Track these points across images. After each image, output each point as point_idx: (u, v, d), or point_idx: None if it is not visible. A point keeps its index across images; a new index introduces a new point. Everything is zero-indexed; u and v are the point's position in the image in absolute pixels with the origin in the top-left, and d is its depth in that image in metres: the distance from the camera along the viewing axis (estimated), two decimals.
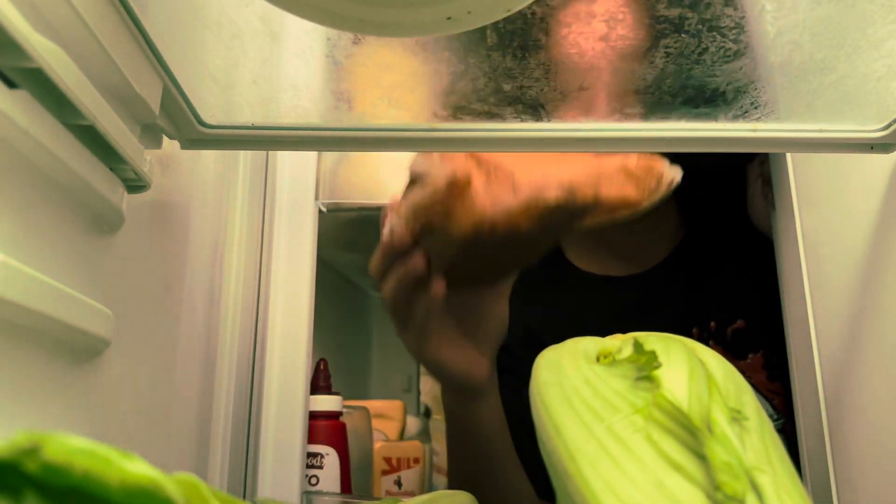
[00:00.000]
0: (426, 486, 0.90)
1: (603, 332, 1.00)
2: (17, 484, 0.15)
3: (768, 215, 0.71)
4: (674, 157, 0.66)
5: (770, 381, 0.84)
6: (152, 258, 0.46)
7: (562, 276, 0.99)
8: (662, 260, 0.94)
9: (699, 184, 0.83)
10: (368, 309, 1.34)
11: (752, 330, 0.86)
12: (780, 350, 0.84)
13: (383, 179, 0.80)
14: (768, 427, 0.29)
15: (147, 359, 0.45)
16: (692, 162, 0.73)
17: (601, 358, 0.30)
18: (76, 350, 0.35)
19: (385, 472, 0.85)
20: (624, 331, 0.99)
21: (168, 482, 0.16)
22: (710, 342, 0.88)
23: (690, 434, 0.26)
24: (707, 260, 0.92)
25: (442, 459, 1.07)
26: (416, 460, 0.87)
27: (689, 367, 0.28)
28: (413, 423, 0.98)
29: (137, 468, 0.16)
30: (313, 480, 0.68)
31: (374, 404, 0.85)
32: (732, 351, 0.87)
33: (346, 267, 1.14)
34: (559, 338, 1.04)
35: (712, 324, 0.89)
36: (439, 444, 1.08)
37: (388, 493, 0.84)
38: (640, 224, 0.92)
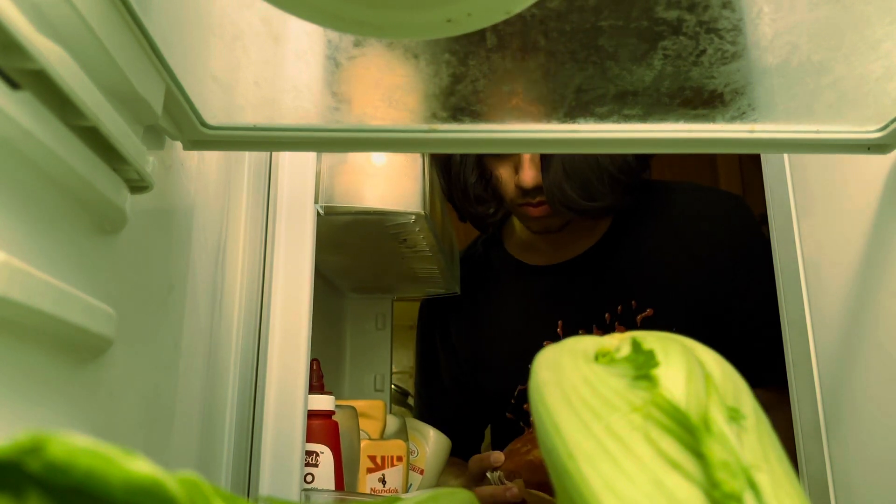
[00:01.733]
0: (407, 484, 0.92)
1: (524, 319, 1.08)
2: (19, 483, 0.15)
3: None
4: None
5: None
6: (155, 258, 0.46)
7: (498, 264, 1.14)
8: (588, 248, 1.06)
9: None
10: (343, 310, 1.36)
11: (661, 318, 0.96)
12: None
13: (380, 184, 0.81)
14: (766, 426, 0.29)
15: (150, 358, 0.45)
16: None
17: (600, 357, 0.30)
18: (79, 349, 0.35)
19: (370, 470, 0.87)
20: (545, 314, 1.06)
21: (170, 480, 0.16)
22: (616, 323, 0.99)
23: (688, 433, 0.26)
24: (624, 252, 1.02)
25: (418, 458, 1.10)
26: (399, 458, 0.89)
27: (687, 367, 0.28)
28: (392, 423, 1.00)
29: (140, 467, 0.16)
30: (309, 478, 0.68)
31: (357, 404, 0.86)
32: None
33: (326, 268, 1.16)
34: (510, 323, 1.08)
35: (619, 307, 0.99)
36: (415, 443, 1.10)
37: (374, 490, 0.86)
38: (574, 222, 1.03)
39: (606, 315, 1.00)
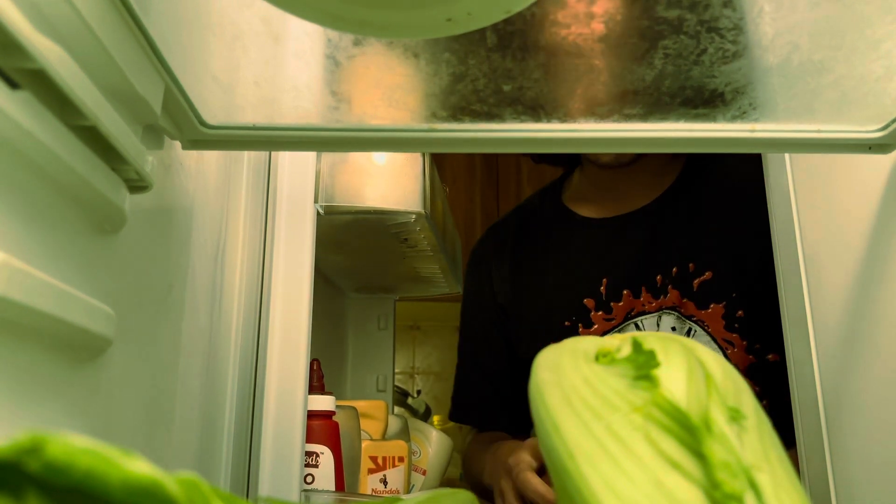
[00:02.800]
0: (408, 485, 0.92)
1: (567, 272, 1.00)
2: (18, 483, 0.15)
3: None
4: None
5: (726, 331, 0.89)
6: (155, 258, 0.46)
7: (552, 217, 1.07)
8: (642, 206, 0.99)
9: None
10: (345, 310, 1.36)
11: (719, 282, 0.90)
12: (742, 304, 0.88)
13: (380, 184, 0.81)
14: (767, 426, 0.29)
15: (149, 358, 0.45)
16: None
17: (600, 357, 0.30)
18: (79, 349, 0.35)
19: (371, 471, 0.87)
20: (589, 270, 0.98)
21: (169, 481, 0.16)
22: (668, 286, 0.92)
23: (689, 433, 0.26)
24: (685, 209, 0.95)
25: (420, 459, 1.10)
26: (401, 459, 0.89)
27: (687, 367, 0.28)
28: (393, 423, 1.00)
29: (139, 467, 0.16)
30: (309, 479, 0.68)
31: (358, 404, 0.86)
32: (696, 300, 0.91)
33: (327, 267, 1.16)
34: (550, 277, 1.01)
35: (674, 269, 0.93)
36: (417, 443, 1.10)
37: (375, 491, 0.86)
38: (637, 168, 0.97)
39: (658, 277, 0.93)
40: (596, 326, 0.95)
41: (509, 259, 1.07)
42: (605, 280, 0.96)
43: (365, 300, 1.38)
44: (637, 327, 0.94)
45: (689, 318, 0.91)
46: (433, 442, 1.13)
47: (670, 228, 0.95)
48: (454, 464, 1.21)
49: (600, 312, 0.95)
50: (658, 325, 0.92)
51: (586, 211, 1.03)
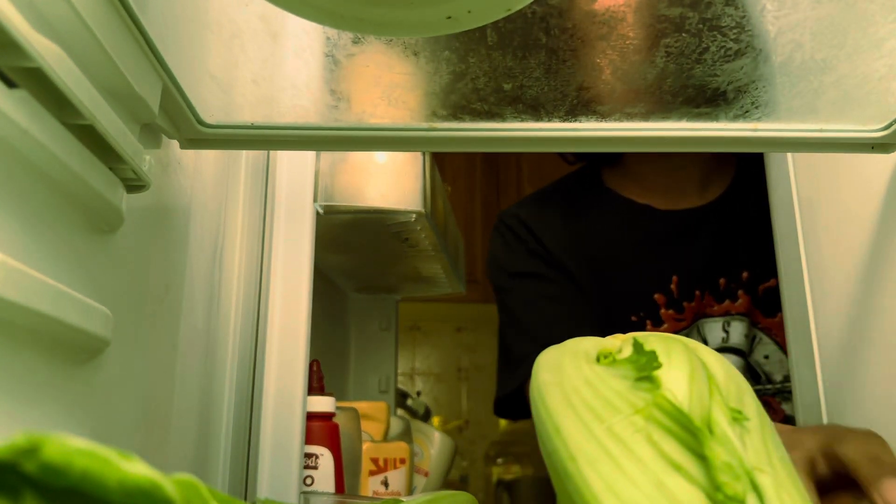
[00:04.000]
0: (410, 487, 0.91)
1: (634, 260, 0.93)
2: (15, 484, 0.15)
3: None
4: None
5: None
6: (152, 258, 0.46)
7: (599, 198, 0.98)
8: (707, 203, 0.94)
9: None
10: (347, 310, 1.35)
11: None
12: None
13: (379, 183, 0.81)
14: (769, 428, 0.29)
15: (147, 359, 0.45)
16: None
17: (601, 358, 0.30)
18: (75, 350, 0.35)
19: (372, 473, 0.86)
20: (660, 265, 0.91)
21: (167, 482, 0.16)
22: (739, 292, 0.88)
23: (691, 434, 0.26)
24: (749, 213, 0.90)
25: (423, 460, 1.09)
26: (402, 461, 0.89)
27: (689, 368, 0.28)
28: (395, 424, 1.00)
29: (136, 468, 0.16)
30: (308, 481, 0.68)
31: (359, 405, 0.86)
32: (762, 307, 0.88)
33: (328, 268, 1.15)
34: (595, 257, 0.93)
35: (744, 274, 0.88)
36: (419, 445, 1.09)
37: (376, 493, 0.86)
38: (690, 163, 0.93)
39: (722, 280, 0.89)
40: (666, 326, 0.90)
41: (563, 232, 0.95)
42: (675, 277, 0.90)
43: (367, 301, 1.37)
44: (698, 332, 0.90)
45: (756, 324, 0.88)
46: (435, 443, 1.13)
47: (736, 230, 0.90)
48: (456, 466, 1.21)
49: (671, 311, 0.91)
50: (726, 330, 0.88)
51: (643, 199, 0.95)
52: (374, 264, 1.14)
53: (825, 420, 0.57)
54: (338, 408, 0.74)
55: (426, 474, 1.10)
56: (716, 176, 0.95)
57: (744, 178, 0.94)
